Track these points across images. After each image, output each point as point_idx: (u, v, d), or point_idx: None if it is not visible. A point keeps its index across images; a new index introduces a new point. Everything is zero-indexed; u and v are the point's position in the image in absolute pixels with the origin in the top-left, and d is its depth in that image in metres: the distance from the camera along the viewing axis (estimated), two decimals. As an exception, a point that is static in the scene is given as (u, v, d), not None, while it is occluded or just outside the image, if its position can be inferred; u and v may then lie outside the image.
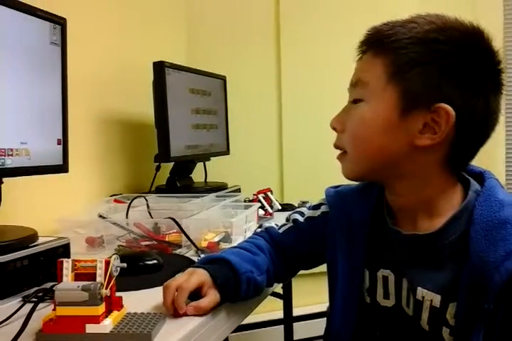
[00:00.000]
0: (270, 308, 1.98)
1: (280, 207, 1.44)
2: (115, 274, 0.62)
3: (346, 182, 0.86)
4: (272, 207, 1.41)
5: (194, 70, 1.67)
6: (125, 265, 0.63)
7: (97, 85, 1.49)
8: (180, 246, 1.03)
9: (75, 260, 0.62)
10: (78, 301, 0.57)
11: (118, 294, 0.66)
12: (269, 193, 1.42)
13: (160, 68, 1.47)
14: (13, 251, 0.75)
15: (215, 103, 1.81)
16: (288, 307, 1.82)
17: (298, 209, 0.89)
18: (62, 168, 1.00)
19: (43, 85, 0.94)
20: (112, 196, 1.45)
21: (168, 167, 1.67)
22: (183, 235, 1.02)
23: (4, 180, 0.91)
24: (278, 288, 1.61)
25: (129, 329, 0.58)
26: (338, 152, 0.73)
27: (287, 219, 0.89)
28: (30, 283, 0.78)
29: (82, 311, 0.57)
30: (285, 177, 2.15)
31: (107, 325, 0.58)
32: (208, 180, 1.86)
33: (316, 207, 0.86)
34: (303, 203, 1.60)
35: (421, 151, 0.65)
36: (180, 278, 0.69)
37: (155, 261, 0.88)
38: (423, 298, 0.67)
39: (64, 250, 0.86)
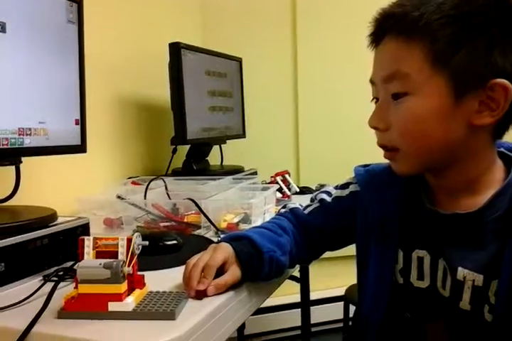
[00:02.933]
0: (287, 292, 1.98)
1: (298, 190, 1.42)
2: (137, 252, 0.61)
3: (363, 163, 0.85)
4: (289, 190, 1.40)
5: (210, 52, 1.64)
6: (147, 243, 0.62)
7: (112, 67, 1.47)
8: (199, 227, 1.02)
9: (97, 238, 0.62)
10: (100, 279, 0.56)
11: (139, 273, 0.65)
12: (286, 175, 1.40)
13: (176, 49, 1.45)
14: (33, 230, 0.75)
15: (230, 85, 1.79)
16: (305, 290, 1.82)
17: (324, 189, 0.87)
18: (80, 148, 0.99)
19: (59, 64, 0.93)
20: (129, 178, 1.45)
21: (184, 150, 1.66)
22: (202, 216, 1.01)
23: (23, 159, 0.90)
24: (295, 271, 1.61)
25: (151, 307, 0.57)
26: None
27: (312, 200, 0.88)
28: (50, 263, 0.77)
29: (105, 289, 0.57)
30: (301, 160, 2.14)
31: (130, 302, 0.57)
32: (223, 164, 1.86)
33: (344, 187, 0.84)
34: (321, 186, 1.59)
35: (477, 130, 0.63)
36: (205, 255, 0.68)
37: (174, 241, 0.87)
38: (464, 278, 0.65)
39: (83, 230, 0.85)
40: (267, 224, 0.82)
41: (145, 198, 1.11)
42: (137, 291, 0.60)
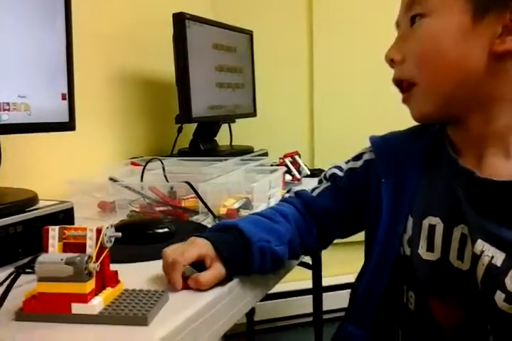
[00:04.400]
0: (299, 278, 1.90)
1: (309, 172, 1.32)
2: (108, 245, 0.53)
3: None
4: (300, 172, 1.30)
5: (218, 24, 1.54)
6: (119, 234, 0.54)
7: (112, 39, 1.38)
8: (197, 213, 0.93)
9: (64, 227, 0.54)
10: (62, 276, 0.48)
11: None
12: (296, 157, 1.31)
13: (180, 20, 1.35)
14: (6, 216, 0.67)
15: (240, 60, 1.68)
16: (317, 277, 1.74)
17: (334, 164, 0.78)
18: (68, 125, 0.91)
19: (43, 32, 0.84)
20: (131, 159, 1.38)
21: (191, 128, 1.58)
22: (199, 201, 0.92)
23: (6, 137, 0.83)
24: (307, 257, 1.53)
25: (121, 310, 0.49)
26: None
27: (320, 181, 0.79)
28: (25, 252, 0.70)
29: (67, 288, 0.49)
30: (316, 140, 2.03)
31: (96, 305, 0.49)
32: (233, 143, 1.77)
33: (357, 158, 0.76)
34: (335, 168, 1.50)
35: (501, 61, 0.56)
36: (177, 249, 0.60)
37: (166, 229, 0.79)
38: (482, 252, 0.56)
39: (66, 215, 0.78)
40: (265, 211, 0.73)
41: (141, 180, 1.03)
42: (108, 290, 0.52)
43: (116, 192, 1.00)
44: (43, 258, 0.49)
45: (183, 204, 0.96)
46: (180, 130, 1.54)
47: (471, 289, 0.58)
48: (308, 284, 1.79)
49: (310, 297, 1.81)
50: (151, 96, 1.58)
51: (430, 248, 0.62)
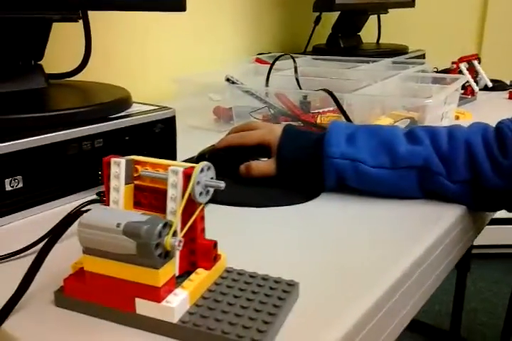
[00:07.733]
0: None
1: (491, 84, 0.98)
2: (201, 200, 0.30)
3: None
4: (477, 83, 0.97)
5: None
6: (222, 185, 0.31)
7: None
8: (337, 133, 0.68)
9: (136, 160, 0.32)
10: (119, 253, 0.28)
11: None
12: (475, 62, 0.96)
13: None
14: (78, 125, 0.48)
15: None
16: None
17: None
18: (176, 4, 0.67)
19: None
20: (258, 55, 1.14)
21: (330, 20, 1.27)
22: (342, 117, 0.66)
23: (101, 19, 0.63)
24: None
25: (217, 322, 0.28)
26: None
27: None
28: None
29: (128, 273, 0.28)
30: (485, 44, 1.60)
31: (175, 307, 0.28)
32: (381, 41, 1.43)
33: None
34: (517, 81, 1.14)
35: None
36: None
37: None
38: None
39: (165, 126, 0.57)
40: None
41: (267, 84, 0.79)
42: (200, 274, 0.31)
43: (235, 97, 0.77)
44: (88, 217, 0.28)
45: (318, 120, 0.71)
46: (317, 21, 1.24)
47: None
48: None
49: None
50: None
51: None
